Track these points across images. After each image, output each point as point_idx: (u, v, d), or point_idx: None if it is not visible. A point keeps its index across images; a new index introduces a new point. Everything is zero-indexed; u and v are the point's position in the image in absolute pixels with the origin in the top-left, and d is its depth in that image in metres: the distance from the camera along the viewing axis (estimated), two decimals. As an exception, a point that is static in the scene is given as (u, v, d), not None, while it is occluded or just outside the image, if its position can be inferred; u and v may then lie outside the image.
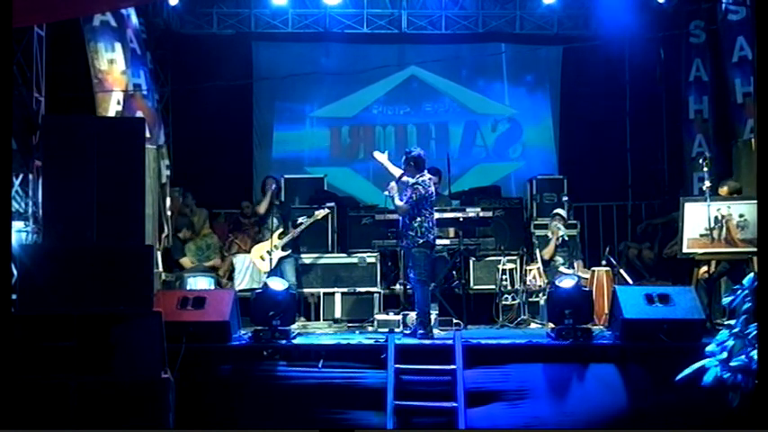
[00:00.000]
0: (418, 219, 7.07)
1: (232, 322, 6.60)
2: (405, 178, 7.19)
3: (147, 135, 7.68)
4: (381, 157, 7.50)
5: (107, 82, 8.76)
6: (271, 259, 8.31)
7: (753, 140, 8.66)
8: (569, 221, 9.20)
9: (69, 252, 5.50)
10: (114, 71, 8.81)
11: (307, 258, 8.83)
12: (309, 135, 11.75)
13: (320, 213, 8.65)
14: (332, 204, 9.02)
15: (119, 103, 8.76)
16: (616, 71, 11.56)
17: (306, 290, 8.82)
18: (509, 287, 8.59)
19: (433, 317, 7.30)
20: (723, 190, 7.84)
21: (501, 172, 11.70)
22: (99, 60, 8.73)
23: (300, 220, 8.61)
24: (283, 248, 8.42)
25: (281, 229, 8.49)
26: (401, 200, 7.17)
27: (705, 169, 7.73)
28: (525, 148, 11.74)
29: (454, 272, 8.36)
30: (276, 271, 8.26)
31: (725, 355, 4.76)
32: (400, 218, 7.26)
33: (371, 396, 6.20)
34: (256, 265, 8.61)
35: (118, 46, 8.80)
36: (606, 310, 7.43)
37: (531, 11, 11.33)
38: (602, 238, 11.07)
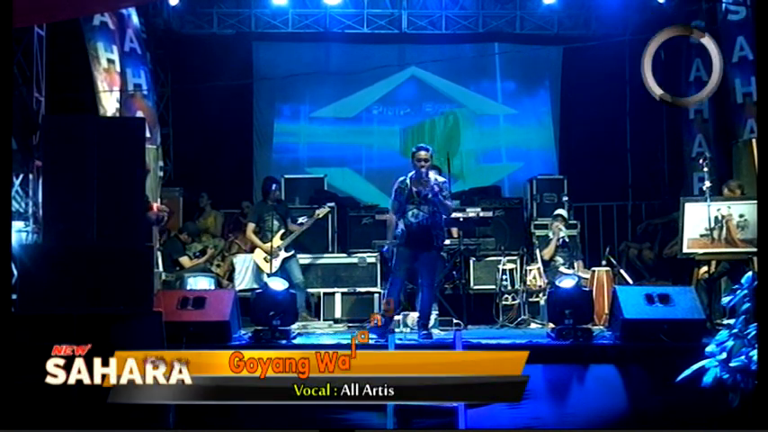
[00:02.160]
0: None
1: (232, 322, 6.60)
2: (435, 176, 7.01)
3: (147, 135, 7.69)
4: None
5: (107, 81, 8.80)
6: (271, 261, 8.28)
7: (753, 141, 8.66)
8: (569, 221, 9.20)
9: (69, 252, 5.50)
10: (112, 71, 8.84)
11: (306, 258, 8.82)
12: (309, 135, 11.76)
13: (321, 212, 8.63)
14: (332, 204, 9.02)
15: (118, 101, 8.80)
16: (616, 71, 11.57)
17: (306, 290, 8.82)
18: (509, 287, 8.59)
19: (433, 317, 7.29)
20: (733, 193, 7.83)
21: (501, 172, 11.72)
22: (99, 59, 8.76)
23: (301, 220, 8.59)
24: (286, 249, 8.41)
25: (282, 230, 8.47)
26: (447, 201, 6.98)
27: (705, 169, 7.73)
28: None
29: (455, 272, 8.36)
30: (282, 272, 8.23)
31: (724, 355, 4.77)
32: (431, 220, 6.89)
33: (371, 396, 6.19)
34: (260, 267, 8.56)
35: (115, 48, 8.84)
36: (606, 310, 7.42)
37: (531, 11, 11.34)
38: (602, 238, 11.08)
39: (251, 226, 8.58)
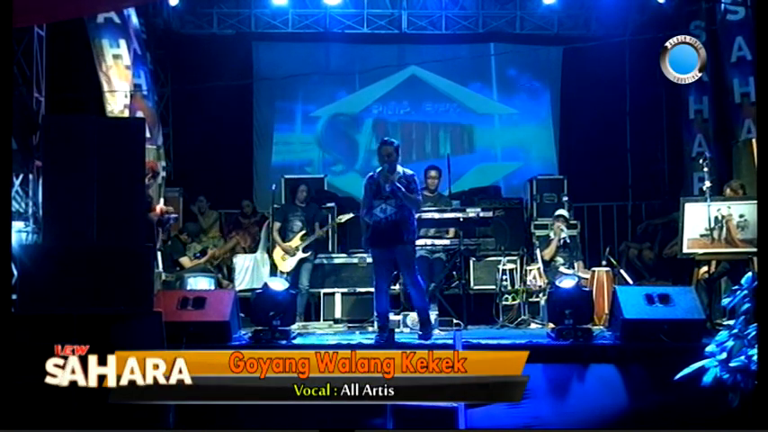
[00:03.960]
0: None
1: (232, 322, 6.60)
2: (402, 170, 6.88)
3: (147, 135, 7.70)
4: None
5: (113, 78, 8.82)
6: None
7: (753, 140, 8.66)
8: (570, 222, 9.20)
9: (69, 252, 5.49)
10: (119, 66, 8.88)
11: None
12: (309, 135, 11.77)
13: (344, 217, 8.71)
14: (331, 204, 9.04)
15: (126, 96, 8.82)
16: (616, 71, 11.57)
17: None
18: (509, 287, 8.59)
19: (433, 317, 7.29)
20: (736, 193, 7.82)
21: (501, 172, 11.72)
22: (104, 57, 8.79)
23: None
24: (304, 250, 8.44)
25: (303, 232, 8.49)
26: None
27: (705, 169, 7.73)
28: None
29: (454, 272, 8.36)
30: (295, 272, 8.34)
31: (724, 355, 4.77)
32: (400, 215, 6.76)
33: (371, 396, 6.19)
34: (278, 265, 8.55)
35: (122, 42, 8.90)
36: (606, 311, 7.42)
37: (531, 11, 11.35)
38: (602, 238, 11.08)
39: (276, 225, 8.62)
